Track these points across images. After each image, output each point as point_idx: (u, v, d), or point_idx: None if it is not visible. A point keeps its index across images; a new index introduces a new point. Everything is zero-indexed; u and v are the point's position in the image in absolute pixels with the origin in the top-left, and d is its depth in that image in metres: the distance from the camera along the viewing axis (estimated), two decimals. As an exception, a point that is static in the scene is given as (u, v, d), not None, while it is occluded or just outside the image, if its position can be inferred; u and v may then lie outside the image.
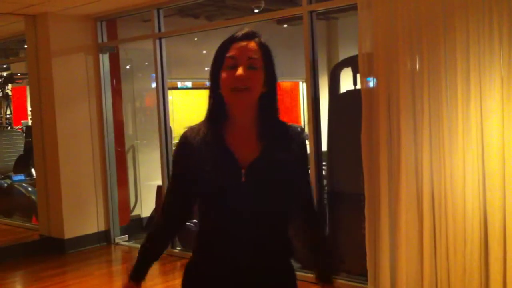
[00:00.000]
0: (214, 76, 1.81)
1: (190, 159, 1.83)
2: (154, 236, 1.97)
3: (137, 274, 1.95)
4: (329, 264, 1.99)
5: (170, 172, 1.99)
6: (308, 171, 2.03)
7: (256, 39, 1.80)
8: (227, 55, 1.77)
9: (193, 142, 1.83)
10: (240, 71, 1.74)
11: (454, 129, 3.82)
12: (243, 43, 1.78)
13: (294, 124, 1.94)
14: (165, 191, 1.98)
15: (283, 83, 9.63)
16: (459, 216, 3.80)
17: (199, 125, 1.87)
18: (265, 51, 1.81)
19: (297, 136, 1.89)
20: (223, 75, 1.77)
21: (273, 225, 1.84)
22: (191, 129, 1.87)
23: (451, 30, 3.80)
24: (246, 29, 1.82)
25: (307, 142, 4.96)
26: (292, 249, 1.91)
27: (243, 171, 1.77)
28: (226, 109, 1.82)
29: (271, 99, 1.84)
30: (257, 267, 1.81)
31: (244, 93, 1.76)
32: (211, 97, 1.83)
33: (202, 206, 1.86)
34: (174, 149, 1.92)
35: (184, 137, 1.87)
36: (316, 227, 1.99)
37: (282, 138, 1.85)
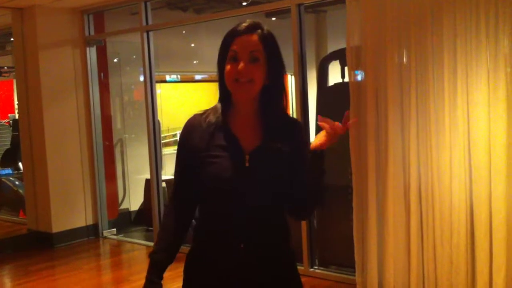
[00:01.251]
0: (220, 66, 1.85)
1: (195, 143, 1.85)
2: (168, 229, 1.92)
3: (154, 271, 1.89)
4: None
5: (176, 159, 1.94)
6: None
7: (259, 31, 1.81)
8: (230, 48, 1.80)
9: (198, 127, 1.87)
10: (241, 65, 1.78)
11: (441, 122, 3.84)
12: (245, 37, 1.80)
13: (293, 118, 2.00)
14: (174, 178, 1.96)
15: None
16: (446, 208, 3.84)
17: (206, 111, 1.91)
18: (268, 43, 1.82)
19: (296, 126, 1.94)
20: (227, 67, 1.81)
21: (273, 211, 1.89)
22: (197, 115, 1.91)
23: (439, 23, 3.82)
24: (248, 21, 1.83)
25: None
26: (290, 235, 1.95)
27: (246, 156, 1.82)
28: (231, 98, 1.87)
29: (275, 92, 1.87)
30: (259, 251, 1.85)
31: (246, 85, 1.80)
32: (219, 85, 1.89)
33: (204, 191, 1.87)
34: (180, 135, 1.93)
35: (190, 123, 1.91)
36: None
37: (282, 129, 1.89)
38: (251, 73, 1.78)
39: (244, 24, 1.82)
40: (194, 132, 1.87)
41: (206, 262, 1.88)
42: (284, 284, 1.92)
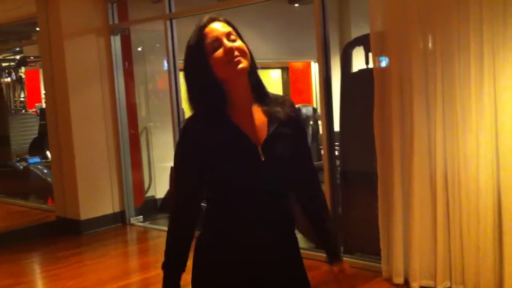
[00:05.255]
0: (202, 67, 1.78)
1: (199, 147, 1.79)
2: (177, 240, 1.87)
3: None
4: (335, 244, 2.03)
5: (179, 166, 1.87)
6: (308, 145, 2.03)
7: (221, 18, 1.83)
8: (207, 41, 1.77)
9: (199, 130, 1.80)
10: (227, 45, 1.76)
11: (467, 108, 3.79)
12: (213, 25, 1.79)
13: (282, 95, 1.96)
14: (174, 186, 1.89)
15: (295, 63, 9.59)
16: (473, 195, 3.79)
17: (198, 115, 1.83)
18: (234, 28, 1.83)
19: (292, 110, 1.92)
20: (214, 57, 1.77)
21: (282, 200, 1.89)
22: (192, 119, 1.84)
23: (465, 7, 3.75)
24: (207, 15, 1.83)
25: (319, 122, 4.95)
26: (294, 220, 1.95)
27: (259, 149, 1.80)
28: (224, 95, 1.81)
29: (256, 74, 1.87)
30: (271, 243, 1.85)
31: (241, 60, 1.76)
32: (209, 86, 1.80)
33: (216, 190, 1.84)
34: (178, 142, 1.86)
35: (190, 127, 1.83)
36: (319, 206, 2.02)
37: (281, 111, 1.88)
38: (238, 49, 1.76)
39: (204, 18, 1.81)
40: (200, 134, 1.79)
41: (222, 257, 1.86)
42: (293, 275, 1.94)
